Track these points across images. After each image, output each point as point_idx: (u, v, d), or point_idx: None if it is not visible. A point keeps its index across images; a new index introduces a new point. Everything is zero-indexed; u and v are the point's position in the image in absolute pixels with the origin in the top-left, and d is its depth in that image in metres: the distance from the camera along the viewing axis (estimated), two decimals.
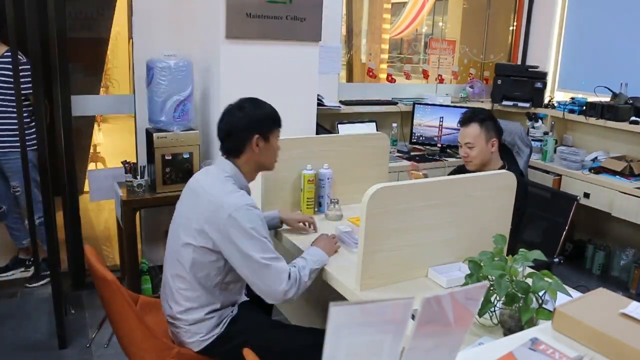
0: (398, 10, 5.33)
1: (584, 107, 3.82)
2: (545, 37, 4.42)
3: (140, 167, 2.92)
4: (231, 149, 1.84)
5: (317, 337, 1.75)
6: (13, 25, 2.96)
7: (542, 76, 4.25)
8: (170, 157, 2.84)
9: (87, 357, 2.62)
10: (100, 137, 5.67)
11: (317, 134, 3.06)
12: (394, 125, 4.02)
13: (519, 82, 4.26)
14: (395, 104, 4.02)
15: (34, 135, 3.07)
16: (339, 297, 1.76)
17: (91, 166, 4.87)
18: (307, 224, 2.18)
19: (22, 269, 3.37)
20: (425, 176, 2.58)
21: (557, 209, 2.89)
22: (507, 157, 2.59)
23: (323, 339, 0.67)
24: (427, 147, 4.03)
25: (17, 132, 2.69)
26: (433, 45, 4.35)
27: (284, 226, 2.21)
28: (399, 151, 3.93)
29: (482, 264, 1.49)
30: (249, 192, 1.84)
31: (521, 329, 1.31)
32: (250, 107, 1.83)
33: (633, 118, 3.53)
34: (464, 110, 3.76)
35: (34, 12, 2.47)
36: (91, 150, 4.89)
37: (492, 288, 1.42)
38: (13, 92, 2.72)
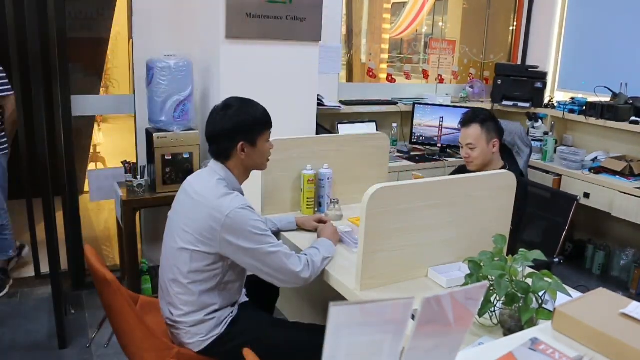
0: (398, 10, 5.33)
1: (584, 107, 3.82)
2: (545, 37, 4.42)
3: (140, 167, 2.92)
4: (219, 153, 1.82)
5: (317, 335, 1.75)
6: (13, 25, 2.97)
7: (542, 76, 4.25)
8: (170, 157, 2.84)
9: (87, 357, 2.61)
10: (100, 137, 5.68)
11: (317, 134, 3.06)
12: (394, 125, 4.02)
13: (519, 82, 4.26)
14: (395, 104, 4.02)
15: (5, 139, 3.08)
16: (339, 297, 1.76)
17: (91, 166, 4.87)
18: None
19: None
20: None
21: (557, 209, 2.89)
22: (507, 157, 2.60)
23: (323, 337, 0.67)
24: (427, 147, 4.03)
25: None
26: (433, 45, 4.35)
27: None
28: (399, 151, 3.93)
29: (482, 264, 1.49)
30: (242, 194, 1.83)
31: (521, 329, 1.31)
32: (235, 111, 1.78)
33: (633, 118, 3.53)
34: (464, 110, 3.76)
35: (34, 12, 2.47)
36: (91, 150, 4.89)
37: (492, 288, 1.42)
38: None
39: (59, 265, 2.76)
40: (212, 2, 2.73)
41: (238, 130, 1.78)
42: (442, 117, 3.90)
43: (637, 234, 3.70)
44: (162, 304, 1.86)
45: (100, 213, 4.49)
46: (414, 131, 3.99)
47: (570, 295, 1.38)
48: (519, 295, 1.39)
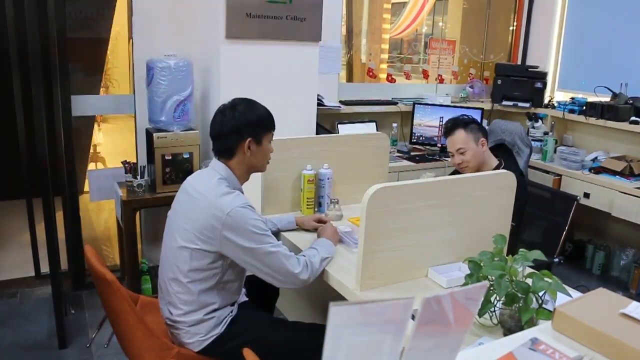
0: (398, 10, 5.33)
1: (584, 107, 3.82)
2: (545, 37, 4.42)
3: (140, 167, 2.92)
4: (223, 151, 1.83)
5: (317, 335, 1.75)
6: (13, 25, 2.97)
7: (542, 76, 4.25)
8: (170, 157, 2.84)
9: (87, 357, 2.61)
10: (100, 137, 5.67)
11: (317, 134, 3.06)
12: (394, 125, 4.02)
13: (519, 82, 4.26)
14: (395, 104, 4.02)
15: None
16: (339, 297, 1.76)
17: (91, 166, 4.87)
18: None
19: None
20: None
21: (557, 209, 2.89)
22: (507, 157, 2.60)
23: (323, 337, 0.67)
24: (427, 147, 4.03)
25: None
26: (433, 45, 4.36)
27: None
28: (399, 151, 3.93)
29: (482, 264, 1.49)
30: (242, 194, 1.84)
31: (521, 329, 1.31)
32: (243, 109, 1.81)
33: (633, 118, 3.53)
34: (464, 110, 3.77)
35: (34, 12, 2.47)
36: (91, 150, 4.88)
37: (492, 288, 1.42)
38: None
39: (59, 265, 2.76)
40: (212, 2, 2.73)
41: (246, 126, 1.80)
42: (442, 117, 3.89)
43: (637, 234, 3.70)
44: (161, 303, 1.86)
45: (100, 213, 4.49)
46: (414, 131, 3.99)
47: (570, 295, 1.38)
48: (519, 295, 1.39)
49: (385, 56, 5.07)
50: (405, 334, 0.73)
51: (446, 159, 3.82)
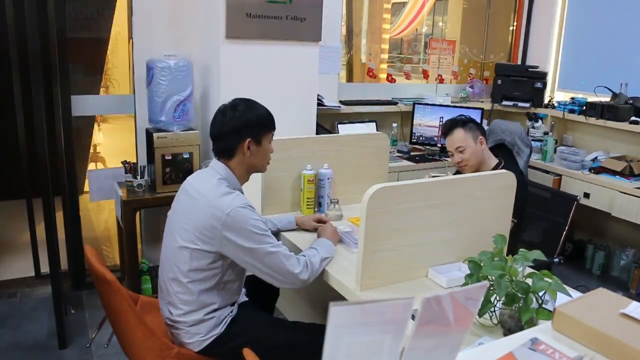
0: (398, 10, 5.33)
1: (584, 107, 3.82)
2: (545, 37, 4.42)
3: (140, 167, 2.92)
4: (223, 151, 1.83)
5: (317, 335, 1.75)
6: (13, 25, 2.98)
7: (542, 76, 4.25)
8: (170, 157, 2.84)
9: (87, 357, 2.61)
10: (100, 137, 5.67)
11: (317, 134, 3.07)
12: (394, 125, 4.02)
13: (519, 82, 4.26)
14: (395, 104, 4.02)
15: None
16: (339, 297, 1.76)
17: (91, 166, 4.87)
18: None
19: None
20: None
21: (557, 209, 2.89)
22: (507, 157, 2.60)
23: (323, 337, 0.67)
24: (427, 147, 4.03)
25: None
26: (433, 45, 4.36)
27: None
28: (399, 151, 3.93)
29: (482, 264, 1.49)
30: (242, 194, 1.84)
31: (521, 329, 1.31)
32: (243, 109, 1.81)
33: (633, 118, 3.53)
34: (464, 110, 3.77)
35: (34, 12, 2.47)
36: (91, 150, 4.88)
37: (492, 288, 1.42)
38: None
39: (59, 265, 2.76)
40: (212, 2, 2.73)
41: (246, 126, 1.80)
42: (442, 117, 3.89)
43: (637, 234, 3.70)
44: (161, 304, 1.86)
45: (100, 213, 4.49)
46: (414, 131, 3.99)
47: (570, 295, 1.38)
48: (519, 295, 1.39)
49: (385, 56, 5.07)
50: (405, 334, 0.73)
51: (446, 159, 3.81)
